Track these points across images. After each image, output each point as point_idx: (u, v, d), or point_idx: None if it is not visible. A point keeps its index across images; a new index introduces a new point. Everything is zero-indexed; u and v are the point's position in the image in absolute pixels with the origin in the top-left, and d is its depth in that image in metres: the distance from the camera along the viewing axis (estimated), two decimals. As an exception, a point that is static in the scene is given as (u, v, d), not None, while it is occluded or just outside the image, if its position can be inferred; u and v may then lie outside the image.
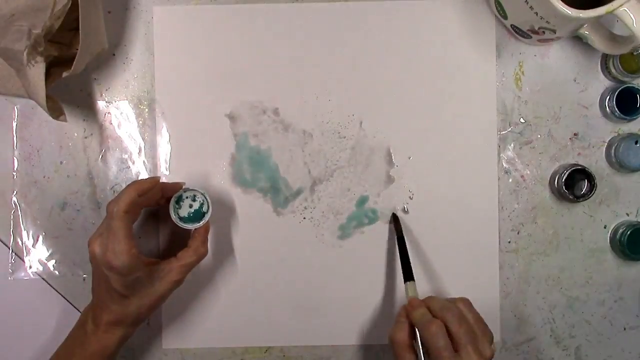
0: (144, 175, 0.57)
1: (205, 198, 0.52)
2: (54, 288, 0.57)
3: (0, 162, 0.56)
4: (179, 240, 0.56)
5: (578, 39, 0.54)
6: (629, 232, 0.55)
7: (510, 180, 0.57)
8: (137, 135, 0.56)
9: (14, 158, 0.56)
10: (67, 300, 0.57)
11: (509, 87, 0.56)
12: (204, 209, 0.52)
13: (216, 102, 0.56)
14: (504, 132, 0.56)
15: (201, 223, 0.52)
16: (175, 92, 0.56)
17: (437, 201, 0.57)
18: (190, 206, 0.52)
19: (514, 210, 0.57)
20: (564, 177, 0.54)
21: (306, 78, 0.56)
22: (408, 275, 0.52)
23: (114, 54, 0.56)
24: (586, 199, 0.55)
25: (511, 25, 0.53)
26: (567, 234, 0.57)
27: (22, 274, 0.57)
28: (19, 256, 0.57)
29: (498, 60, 0.56)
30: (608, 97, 0.55)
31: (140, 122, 0.57)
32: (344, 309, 0.57)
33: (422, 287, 0.56)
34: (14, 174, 0.57)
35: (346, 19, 0.56)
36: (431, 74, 0.56)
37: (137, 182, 0.49)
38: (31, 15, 0.46)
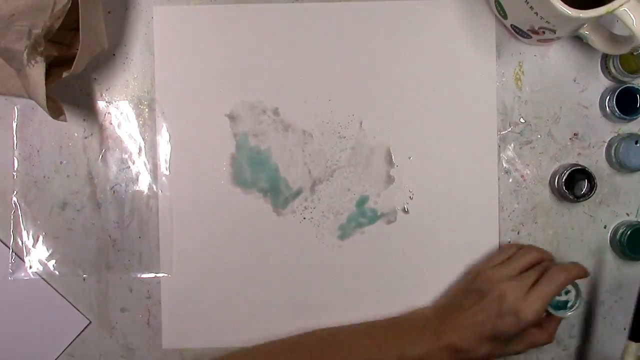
0: (144, 175, 0.57)
1: (577, 290, 0.54)
2: (54, 288, 0.57)
3: (0, 162, 0.56)
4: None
5: (578, 39, 0.54)
6: (629, 232, 0.55)
7: (510, 180, 0.57)
8: (137, 135, 0.57)
9: (14, 158, 0.57)
10: (67, 300, 0.57)
11: (509, 87, 0.56)
12: (570, 298, 0.54)
13: (216, 102, 0.56)
14: (504, 132, 0.57)
15: (570, 313, 0.53)
16: (175, 92, 0.56)
17: (437, 201, 0.57)
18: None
19: (514, 210, 0.57)
20: (564, 177, 0.54)
21: (306, 78, 0.56)
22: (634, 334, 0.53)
23: (114, 54, 0.56)
24: (586, 199, 0.55)
25: (511, 25, 0.53)
26: (567, 234, 0.57)
27: (22, 274, 0.57)
28: (19, 256, 0.57)
29: (498, 60, 0.56)
30: (608, 97, 0.55)
31: (140, 122, 0.57)
32: (344, 309, 0.57)
33: (422, 286, 0.57)
34: (14, 174, 0.57)
35: (346, 19, 0.56)
36: (431, 74, 0.56)
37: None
38: (31, 15, 0.46)
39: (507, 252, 0.54)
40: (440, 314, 0.53)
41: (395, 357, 0.50)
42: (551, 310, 0.52)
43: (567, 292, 0.53)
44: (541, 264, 0.52)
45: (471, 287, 0.52)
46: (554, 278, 0.49)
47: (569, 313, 0.53)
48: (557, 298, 0.53)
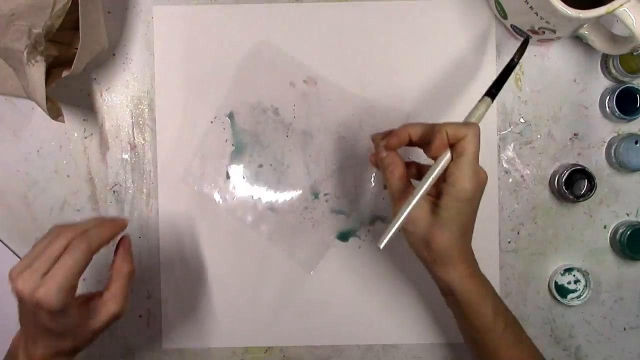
0: (144, 175, 0.57)
1: (587, 280, 0.55)
2: (53, 288, 0.57)
3: (0, 162, 0.56)
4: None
5: (578, 39, 0.54)
6: (629, 232, 0.55)
7: (510, 180, 0.57)
8: (137, 135, 0.56)
9: (14, 158, 0.56)
10: (67, 300, 0.57)
11: (509, 87, 0.56)
12: (579, 287, 0.56)
13: (216, 102, 0.56)
14: (504, 132, 0.57)
15: (577, 302, 0.56)
16: (175, 92, 0.56)
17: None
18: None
19: (514, 210, 0.57)
20: (564, 177, 0.54)
21: (306, 78, 0.56)
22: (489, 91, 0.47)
23: (114, 54, 0.56)
24: (586, 199, 0.55)
25: (511, 25, 0.53)
26: (567, 234, 0.57)
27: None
28: (19, 257, 0.57)
29: (498, 60, 0.56)
30: (608, 97, 0.55)
31: (140, 122, 0.56)
32: (344, 309, 0.57)
33: (422, 286, 0.57)
34: (14, 174, 0.56)
35: (346, 19, 0.56)
36: (431, 74, 0.56)
37: (93, 239, 0.43)
38: (31, 15, 0.46)
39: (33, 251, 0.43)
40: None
41: None
42: (558, 298, 0.55)
43: (576, 282, 0.55)
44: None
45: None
46: (72, 251, 0.41)
47: (577, 302, 0.55)
48: (567, 286, 0.56)
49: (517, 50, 0.50)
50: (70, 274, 0.41)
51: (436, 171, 0.43)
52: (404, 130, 0.46)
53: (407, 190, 0.45)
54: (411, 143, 0.46)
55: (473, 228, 0.46)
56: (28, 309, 0.42)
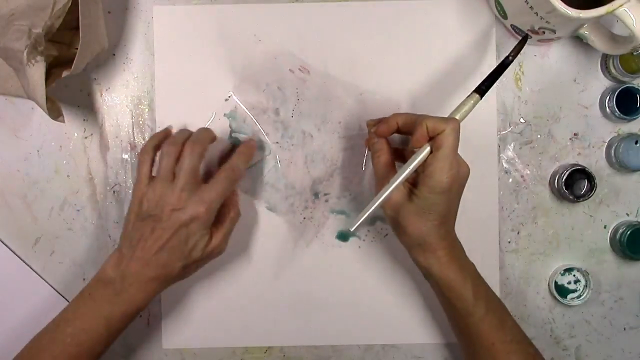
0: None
1: (587, 280, 0.56)
2: (54, 288, 0.57)
3: (0, 162, 0.56)
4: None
5: (578, 39, 0.54)
6: (629, 232, 0.55)
7: (510, 180, 0.57)
8: (137, 135, 0.56)
9: (14, 158, 0.56)
10: (68, 301, 0.57)
11: (509, 87, 0.56)
12: (579, 287, 0.56)
13: (216, 102, 0.56)
14: (504, 132, 0.57)
15: (577, 302, 0.56)
16: (175, 92, 0.56)
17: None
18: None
19: (514, 210, 0.57)
20: (564, 177, 0.54)
21: (306, 78, 0.56)
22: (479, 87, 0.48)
23: (114, 54, 0.56)
24: (586, 199, 0.55)
25: (511, 25, 0.53)
26: (567, 234, 0.57)
27: (23, 274, 0.56)
28: (19, 256, 0.57)
29: (498, 60, 0.56)
30: (608, 97, 0.55)
31: (140, 122, 0.56)
32: (344, 309, 0.57)
33: (422, 286, 0.56)
34: (14, 174, 0.56)
35: (346, 19, 0.56)
36: (431, 74, 0.56)
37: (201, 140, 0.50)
38: (31, 15, 0.46)
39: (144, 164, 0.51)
40: (124, 252, 0.49)
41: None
42: (558, 298, 0.55)
43: (576, 282, 0.55)
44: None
45: (143, 216, 0.49)
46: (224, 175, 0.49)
47: (577, 302, 0.56)
48: (567, 286, 0.56)
49: (514, 48, 0.50)
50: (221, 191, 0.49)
51: (414, 163, 0.46)
52: (393, 119, 0.49)
53: (389, 177, 0.47)
54: (399, 131, 0.49)
55: (454, 218, 0.49)
56: (167, 224, 0.47)
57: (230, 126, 0.56)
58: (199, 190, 0.48)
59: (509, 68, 0.56)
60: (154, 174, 0.50)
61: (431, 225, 0.47)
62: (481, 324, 0.48)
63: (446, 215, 0.47)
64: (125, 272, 0.48)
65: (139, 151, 0.55)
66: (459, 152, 0.57)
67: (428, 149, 0.46)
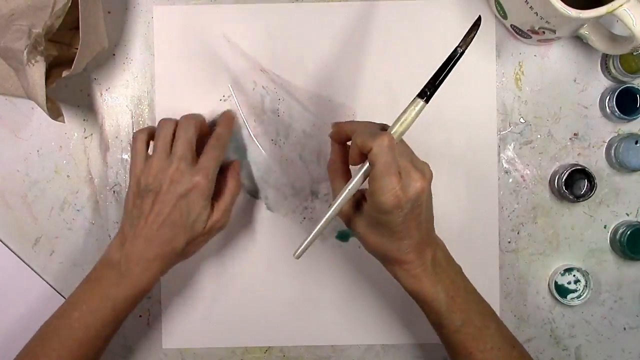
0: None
1: (587, 280, 0.56)
2: (54, 288, 0.57)
3: (0, 162, 0.56)
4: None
5: (578, 39, 0.54)
6: (629, 232, 0.55)
7: (510, 180, 0.57)
8: (137, 135, 0.56)
9: (14, 158, 0.56)
10: (67, 300, 0.57)
11: (509, 87, 0.56)
12: (579, 287, 0.56)
13: (216, 102, 0.56)
14: (504, 132, 0.57)
15: (577, 302, 0.56)
16: (175, 92, 0.56)
17: (436, 201, 0.56)
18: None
19: (514, 210, 0.57)
20: (564, 177, 0.54)
21: (306, 78, 0.56)
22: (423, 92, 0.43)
23: (114, 54, 0.56)
24: (586, 199, 0.55)
25: (511, 25, 0.53)
26: (567, 234, 0.57)
27: (23, 274, 0.56)
28: (19, 257, 0.57)
29: (498, 60, 0.56)
30: (608, 97, 0.55)
31: (140, 122, 0.56)
32: (344, 309, 0.57)
33: (422, 287, 0.56)
34: (14, 174, 0.56)
35: (346, 19, 0.56)
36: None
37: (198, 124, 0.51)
38: (31, 15, 0.46)
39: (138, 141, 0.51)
40: (126, 232, 0.49)
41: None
42: (558, 298, 0.55)
43: (576, 282, 0.55)
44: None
45: (143, 192, 0.48)
46: (212, 144, 0.50)
47: (577, 302, 0.56)
48: (567, 286, 0.56)
49: (463, 38, 0.42)
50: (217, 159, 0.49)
51: (352, 183, 0.43)
52: (342, 127, 0.47)
53: (339, 188, 0.45)
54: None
55: (421, 231, 0.44)
56: (167, 197, 0.47)
57: (230, 126, 0.56)
58: (195, 162, 0.48)
59: (509, 68, 0.56)
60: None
61: (387, 240, 0.43)
62: (456, 334, 0.46)
63: (403, 230, 0.42)
64: (129, 252, 0.48)
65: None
66: (457, 152, 0.57)
67: (367, 165, 0.42)
